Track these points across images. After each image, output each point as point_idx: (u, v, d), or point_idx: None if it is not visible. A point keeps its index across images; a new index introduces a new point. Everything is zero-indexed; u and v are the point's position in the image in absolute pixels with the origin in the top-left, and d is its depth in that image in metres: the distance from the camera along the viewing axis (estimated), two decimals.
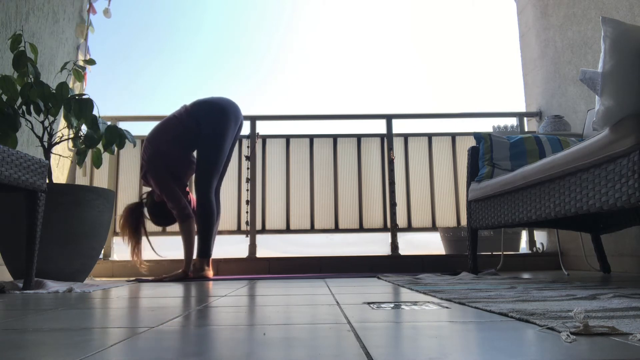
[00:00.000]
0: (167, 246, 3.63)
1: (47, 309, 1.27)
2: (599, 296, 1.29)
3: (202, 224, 2.77)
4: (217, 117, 2.82)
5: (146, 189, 3.06)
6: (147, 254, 2.91)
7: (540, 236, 3.57)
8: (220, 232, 3.55)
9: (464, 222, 3.59)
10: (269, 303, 1.35)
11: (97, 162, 2.68)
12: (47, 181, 2.25)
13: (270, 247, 3.57)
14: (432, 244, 3.63)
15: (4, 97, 2.33)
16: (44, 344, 0.76)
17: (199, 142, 2.83)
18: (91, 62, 2.97)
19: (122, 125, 3.57)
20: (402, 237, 3.53)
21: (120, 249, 3.53)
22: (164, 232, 3.51)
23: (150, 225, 3.55)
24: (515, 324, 0.89)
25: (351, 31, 5.39)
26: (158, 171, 2.77)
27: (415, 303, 1.27)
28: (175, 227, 3.52)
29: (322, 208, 3.62)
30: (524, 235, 3.52)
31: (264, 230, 3.56)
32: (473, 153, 2.74)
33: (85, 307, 1.31)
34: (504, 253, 3.26)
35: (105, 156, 3.24)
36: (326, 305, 1.25)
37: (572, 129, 3.19)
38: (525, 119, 3.78)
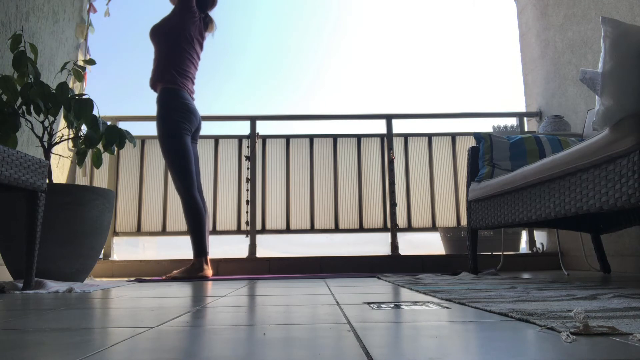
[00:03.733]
0: (167, 246, 3.64)
1: (47, 309, 1.27)
2: (599, 296, 1.29)
3: (192, 224, 2.77)
4: (170, 113, 2.80)
5: None
6: (148, 253, 2.91)
7: (540, 236, 3.57)
8: (220, 232, 3.55)
9: (464, 222, 3.59)
10: (269, 303, 1.35)
11: (97, 162, 2.68)
12: (47, 181, 2.25)
13: (270, 247, 3.57)
14: (432, 244, 3.63)
15: (4, 97, 2.33)
16: (44, 344, 0.76)
17: (159, 140, 2.83)
18: (91, 62, 2.97)
19: (122, 125, 3.57)
20: (402, 237, 3.53)
21: (120, 249, 3.54)
22: (164, 232, 3.51)
23: (150, 226, 3.55)
24: (515, 324, 0.89)
25: (351, 31, 5.39)
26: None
27: (415, 303, 1.27)
28: (175, 226, 3.54)
29: (322, 208, 3.62)
30: (524, 235, 3.52)
31: (264, 230, 3.56)
32: (473, 153, 2.74)
33: (85, 307, 1.31)
34: (504, 253, 3.26)
35: (105, 156, 3.24)
36: (326, 305, 1.25)
37: (572, 129, 3.19)
38: (525, 119, 3.78)
